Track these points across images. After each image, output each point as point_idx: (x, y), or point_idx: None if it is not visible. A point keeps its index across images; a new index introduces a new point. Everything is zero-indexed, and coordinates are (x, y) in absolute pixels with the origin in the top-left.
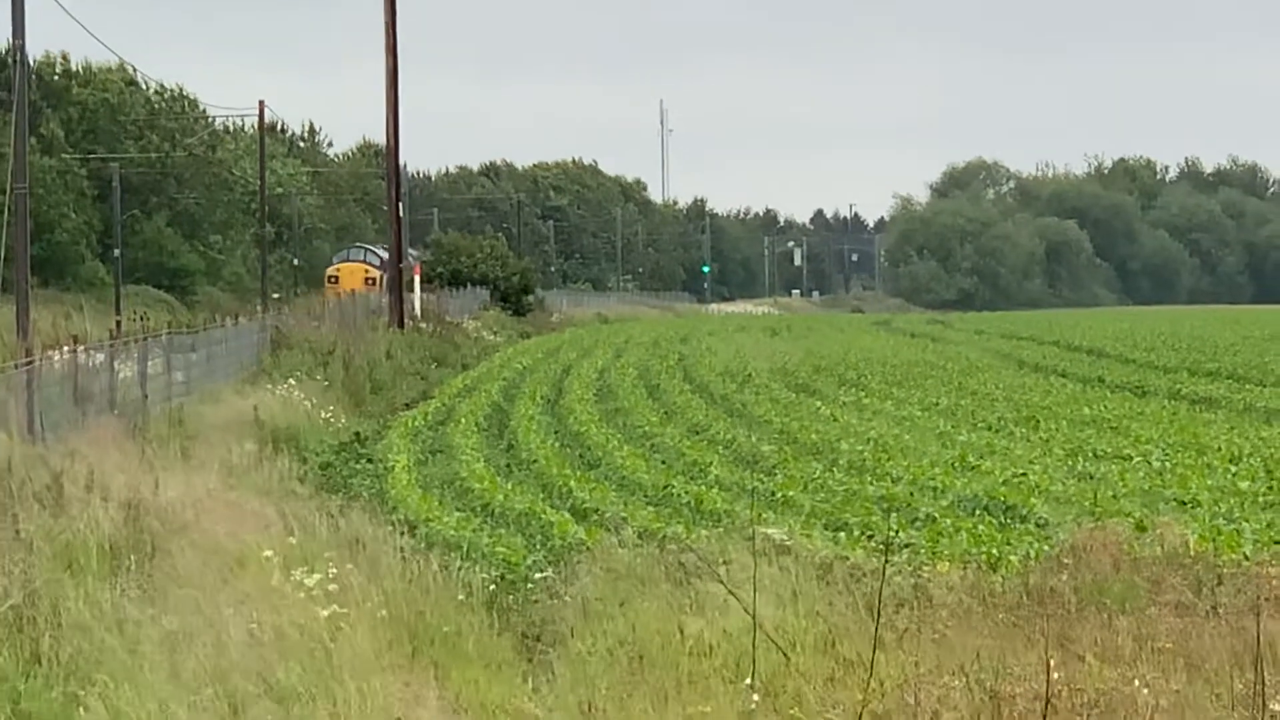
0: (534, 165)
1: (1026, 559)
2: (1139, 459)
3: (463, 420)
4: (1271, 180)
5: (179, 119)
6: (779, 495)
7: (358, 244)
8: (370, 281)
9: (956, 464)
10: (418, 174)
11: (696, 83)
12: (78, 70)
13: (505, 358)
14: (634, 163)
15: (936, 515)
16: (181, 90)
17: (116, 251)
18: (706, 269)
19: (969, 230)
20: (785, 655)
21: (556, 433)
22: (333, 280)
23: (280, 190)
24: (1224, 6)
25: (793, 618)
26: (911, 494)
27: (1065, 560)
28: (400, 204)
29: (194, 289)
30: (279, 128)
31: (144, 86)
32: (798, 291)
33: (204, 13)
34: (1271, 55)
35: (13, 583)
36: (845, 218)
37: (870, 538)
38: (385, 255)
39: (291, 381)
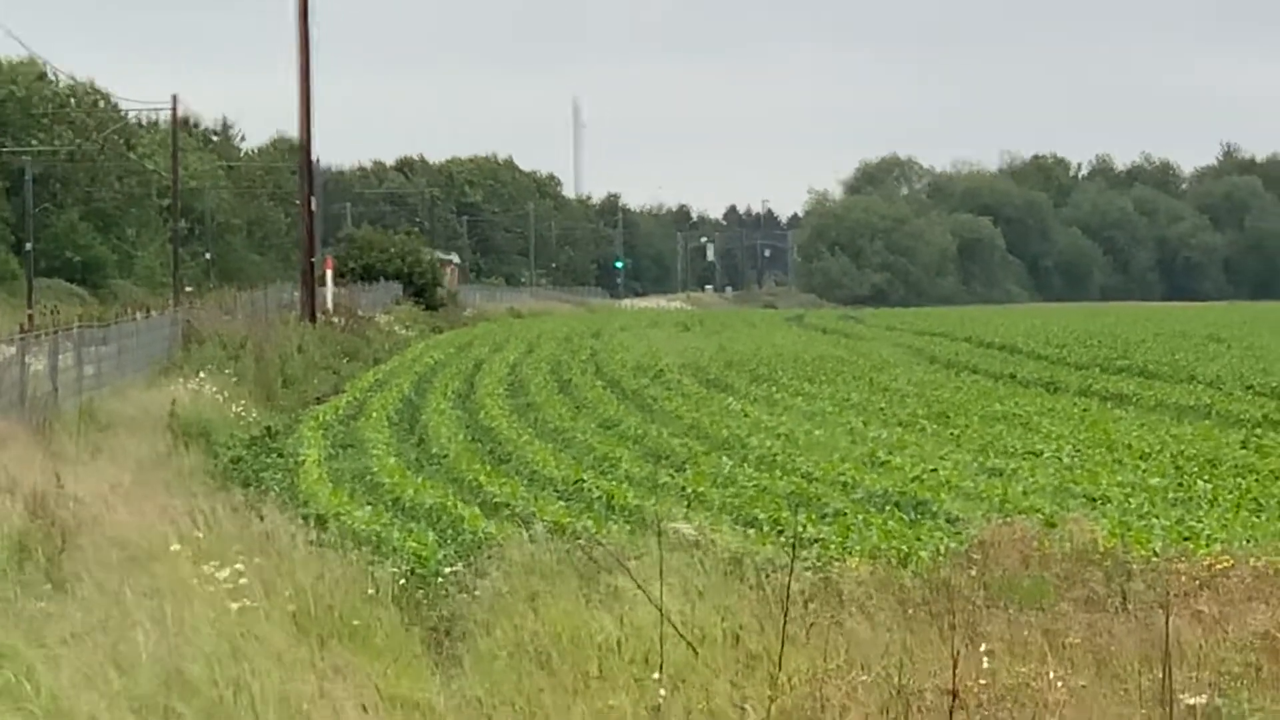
0: (448, 160)
1: (936, 554)
2: (1050, 455)
3: (374, 414)
4: (1183, 178)
5: (91, 113)
6: (689, 490)
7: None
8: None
9: (867, 460)
10: (331, 168)
11: (610, 79)
12: None
13: (417, 352)
14: (548, 159)
15: (846, 511)
16: (94, 85)
17: (28, 245)
18: (619, 264)
19: (882, 226)
20: (694, 650)
21: (468, 427)
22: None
23: (193, 184)
24: (1135, 6)
25: (701, 612)
26: (822, 489)
27: (975, 556)
28: (313, 198)
29: (106, 282)
30: (192, 122)
31: (54, 80)
32: (710, 287)
33: (117, 8)
34: (1182, 54)
35: None
36: (758, 213)
37: (780, 533)
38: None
39: (203, 375)
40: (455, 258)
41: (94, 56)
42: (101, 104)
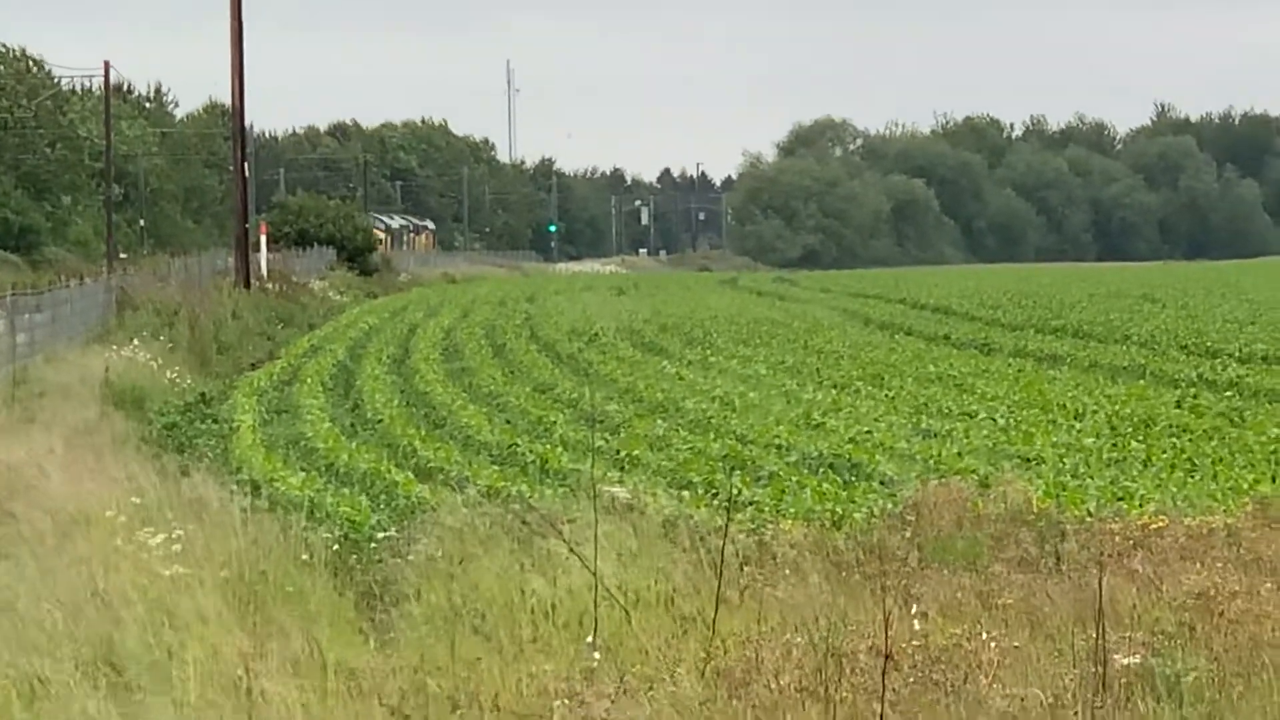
0: (381, 125)
1: (870, 516)
2: (984, 416)
3: (308, 380)
4: (1118, 138)
5: (22, 80)
6: (624, 454)
7: (371, 214)
8: (378, 241)
9: (802, 422)
10: (264, 134)
11: (544, 43)
12: None
13: (352, 318)
14: (482, 123)
15: (781, 473)
16: (24, 51)
17: None
18: (553, 228)
19: (815, 189)
20: (627, 613)
21: (402, 392)
22: None
23: (127, 151)
24: None
25: (636, 576)
26: (756, 452)
27: (909, 517)
28: (246, 164)
29: (40, 249)
30: (125, 89)
31: None
32: (645, 250)
33: None
34: (1116, 13)
35: None
36: (692, 177)
37: (714, 496)
38: (394, 222)
39: (137, 342)
40: (430, 224)
41: (24, 24)
42: (34, 70)
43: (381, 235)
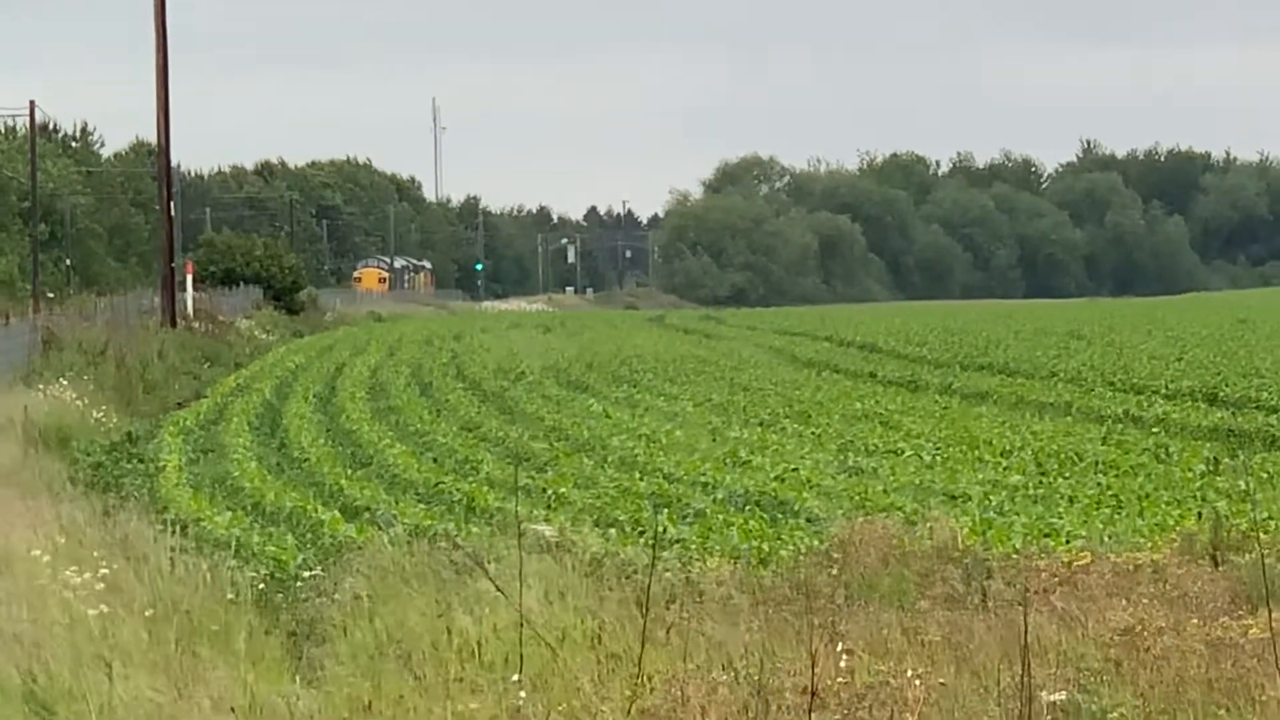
0: (307, 164)
1: (797, 554)
2: (910, 453)
3: (235, 419)
4: (1044, 174)
5: None
6: (550, 492)
7: (375, 255)
8: (381, 280)
9: (728, 460)
10: (190, 173)
11: (471, 82)
12: None
13: (278, 356)
14: (408, 161)
15: (707, 511)
16: None
17: None
18: (480, 266)
19: (742, 226)
20: (553, 650)
21: (329, 431)
22: (357, 280)
23: (53, 190)
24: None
25: (562, 614)
26: (683, 490)
27: (835, 555)
28: (171, 203)
29: None
30: (51, 128)
31: None
32: (572, 288)
33: None
34: (1042, 50)
35: None
36: (619, 214)
37: (641, 534)
38: (397, 263)
39: (63, 382)
40: (428, 264)
41: None
42: None
43: (385, 274)
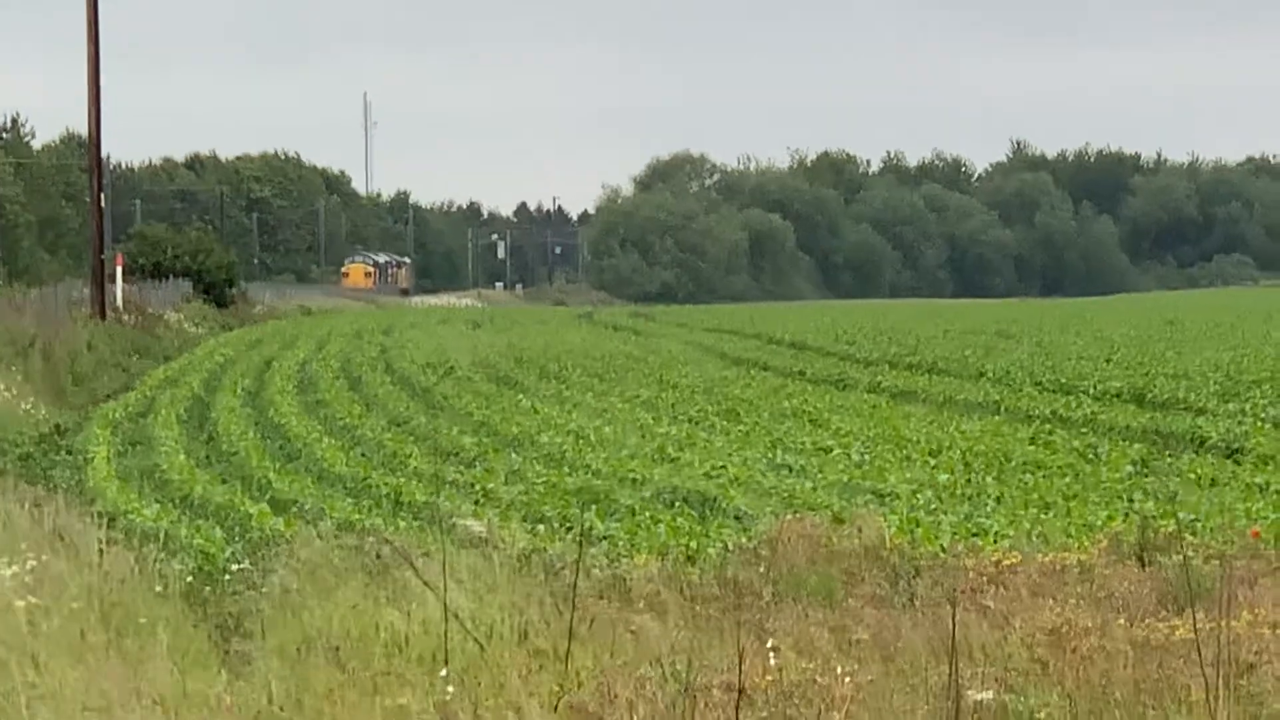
0: (237, 158)
1: (725, 551)
2: (839, 451)
3: (164, 412)
4: (975, 174)
5: None
6: (479, 487)
7: (362, 251)
8: (367, 275)
9: (656, 456)
10: (121, 165)
11: (401, 76)
12: None
13: (208, 349)
14: (338, 156)
15: (636, 507)
16: None
17: None
18: (409, 261)
19: (672, 223)
20: (481, 646)
21: (258, 424)
22: (345, 275)
23: None
24: (925, 6)
25: (489, 609)
26: (611, 486)
27: (762, 552)
28: (102, 195)
29: None
30: None
31: None
32: (501, 284)
33: None
34: (973, 50)
35: None
36: (549, 210)
37: (569, 530)
38: (378, 258)
39: None
40: (408, 259)
41: None
42: None
43: (371, 270)
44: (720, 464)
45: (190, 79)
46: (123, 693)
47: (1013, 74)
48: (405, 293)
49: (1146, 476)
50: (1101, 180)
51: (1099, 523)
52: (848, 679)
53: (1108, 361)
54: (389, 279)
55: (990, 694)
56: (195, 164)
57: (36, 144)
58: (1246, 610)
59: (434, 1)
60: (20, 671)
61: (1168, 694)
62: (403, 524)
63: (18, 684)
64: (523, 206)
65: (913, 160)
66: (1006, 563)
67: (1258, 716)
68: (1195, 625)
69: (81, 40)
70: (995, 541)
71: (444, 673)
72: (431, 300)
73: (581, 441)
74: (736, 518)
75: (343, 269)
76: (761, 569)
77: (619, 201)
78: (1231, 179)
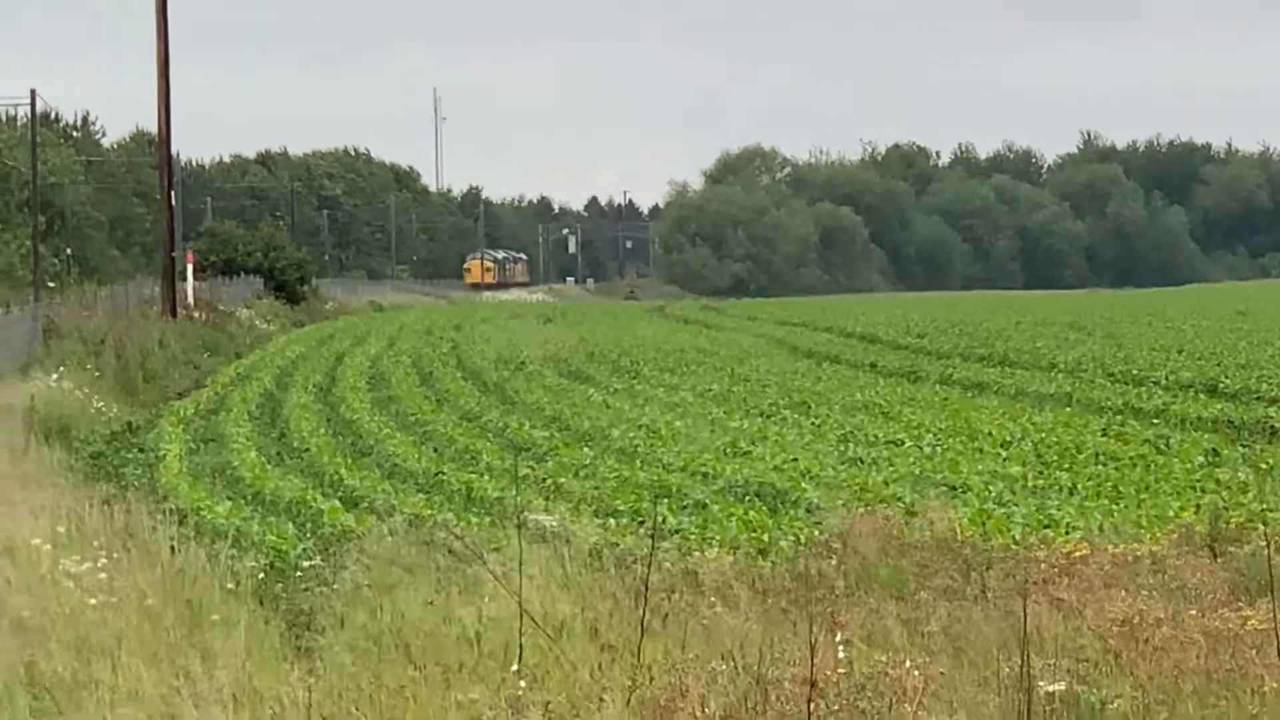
0: (308, 154)
1: (796, 544)
2: (910, 444)
3: (235, 409)
4: (1045, 166)
5: None
6: (550, 482)
7: (483, 249)
8: (487, 270)
9: (728, 450)
10: (191, 163)
11: (471, 71)
12: None
13: (278, 346)
14: (408, 151)
15: (707, 501)
16: None
17: None
18: (525, 257)
19: (743, 217)
20: (552, 641)
21: (329, 420)
22: (467, 270)
23: (54, 180)
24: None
25: (561, 604)
26: (682, 480)
27: (834, 545)
28: (172, 193)
29: None
30: (52, 117)
31: None
32: (572, 279)
33: None
34: (1043, 41)
35: None
36: (620, 205)
37: (640, 524)
38: (497, 254)
39: (63, 371)
40: (524, 255)
41: None
42: None
43: (491, 265)
44: (792, 457)
45: (260, 75)
46: (196, 689)
47: (1083, 65)
48: (523, 285)
49: (1218, 467)
50: (1172, 170)
51: (1171, 513)
52: (919, 671)
53: (1179, 352)
54: (507, 273)
55: (1062, 685)
56: (266, 160)
57: (107, 142)
58: None
59: None
60: (94, 669)
61: (1240, 684)
62: (474, 519)
63: (94, 681)
64: (593, 201)
65: (983, 152)
66: (1078, 554)
67: None
68: (1274, 615)
69: (151, 36)
70: (1066, 533)
71: (515, 668)
72: (502, 296)
73: (653, 435)
74: (808, 511)
75: (465, 265)
76: (833, 562)
77: (689, 195)
78: None
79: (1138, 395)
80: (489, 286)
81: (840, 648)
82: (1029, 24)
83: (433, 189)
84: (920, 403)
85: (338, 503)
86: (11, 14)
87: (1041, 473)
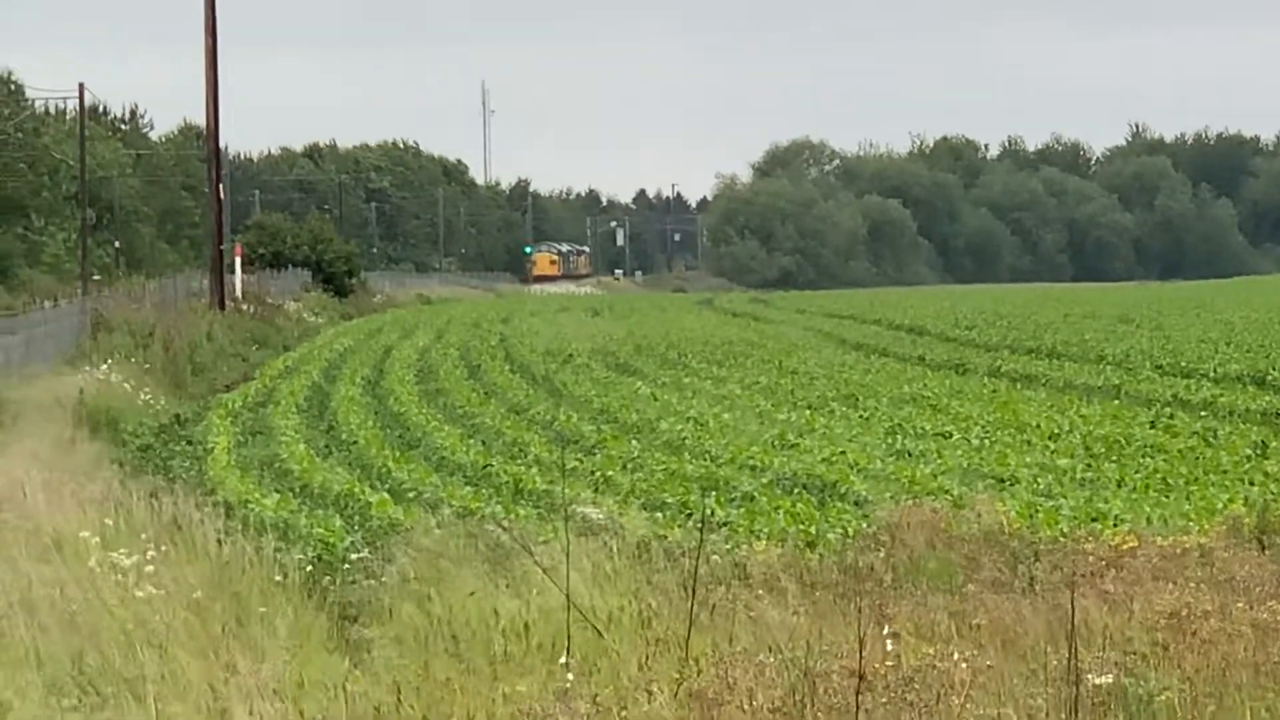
0: (356, 147)
1: (844, 537)
2: (959, 437)
3: (283, 401)
4: (1093, 158)
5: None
6: (598, 475)
7: (547, 242)
8: (553, 263)
9: (776, 442)
10: (239, 156)
11: (519, 64)
12: None
13: (327, 339)
14: (456, 144)
15: (755, 494)
16: (10, 75)
17: None
18: (529, 250)
19: (791, 210)
20: (600, 633)
21: (377, 413)
22: (533, 263)
23: (102, 174)
24: None
25: (609, 596)
26: (730, 473)
27: (882, 538)
28: (220, 186)
29: (14, 272)
30: (100, 111)
31: None
32: (620, 271)
33: None
34: (1092, 34)
35: None
36: (668, 197)
37: (688, 517)
38: (561, 248)
39: (111, 363)
40: (586, 249)
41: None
42: (9, 92)
43: (556, 258)
44: (840, 450)
45: (308, 67)
46: (243, 682)
47: (1131, 57)
48: (585, 277)
49: (1267, 459)
50: (1221, 163)
51: (1219, 506)
52: (967, 664)
53: (1227, 344)
54: (571, 266)
55: (1110, 678)
56: (314, 154)
57: (155, 135)
58: None
59: None
60: (142, 661)
61: None
62: (522, 512)
63: (142, 674)
64: (641, 194)
65: (1031, 145)
66: (1126, 546)
67: None
68: None
69: (198, 29)
70: (1114, 525)
71: (563, 660)
72: (550, 288)
73: (701, 428)
74: (856, 503)
75: (530, 257)
76: (881, 554)
77: (737, 188)
78: None
79: (1186, 387)
80: (553, 279)
81: (888, 640)
82: (1077, 15)
83: (480, 182)
84: (968, 395)
85: (386, 495)
86: (60, 8)
87: (1089, 465)
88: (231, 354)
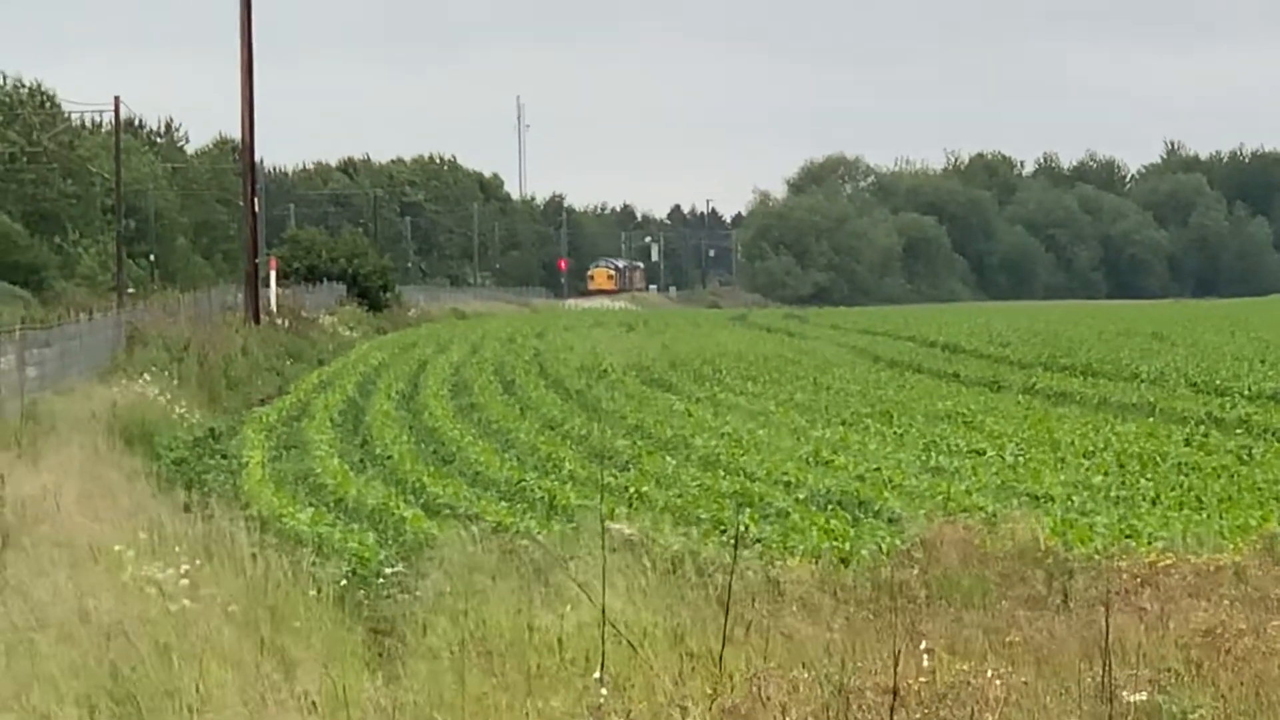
0: (391, 161)
1: (878, 553)
2: (993, 454)
3: (317, 416)
4: (1128, 176)
5: (38, 115)
6: (632, 490)
7: (605, 257)
8: (610, 278)
9: (810, 459)
10: (274, 169)
11: (554, 79)
12: None
13: (361, 353)
14: (490, 158)
15: (789, 510)
16: (40, 86)
17: None
18: (642, 266)
19: (825, 226)
20: (634, 649)
21: (411, 428)
22: (590, 278)
23: (138, 186)
24: (1079, 8)
25: (643, 612)
26: (765, 489)
27: (916, 555)
28: (256, 199)
29: (49, 284)
30: (136, 124)
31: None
32: (655, 287)
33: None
34: (1127, 51)
35: None
36: (703, 213)
37: (723, 532)
38: (620, 263)
39: (146, 377)
40: (641, 264)
41: (32, 58)
42: (46, 106)
43: (613, 273)
44: (874, 466)
45: (343, 81)
46: (278, 696)
47: (1167, 75)
48: (641, 290)
49: None
50: (1256, 180)
51: (1253, 524)
52: (1001, 681)
53: (1262, 362)
54: (626, 280)
55: (1144, 695)
56: (349, 167)
57: (190, 148)
58: None
59: (589, 3)
60: (177, 675)
61: None
62: (556, 527)
63: (177, 688)
64: (676, 209)
65: (1066, 162)
66: (1160, 564)
67: None
68: None
69: (234, 42)
70: (1149, 543)
71: (597, 675)
72: (585, 304)
73: (735, 444)
74: (890, 520)
75: (589, 272)
76: (915, 571)
77: (772, 204)
78: None
79: (1220, 405)
80: (611, 293)
81: (923, 657)
82: (1112, 34)
83: (515, 196)
84: (1002, 412)
85: (420, 510)
86: (96, 21)
87: (1124, 482)
88: (266, 368)
